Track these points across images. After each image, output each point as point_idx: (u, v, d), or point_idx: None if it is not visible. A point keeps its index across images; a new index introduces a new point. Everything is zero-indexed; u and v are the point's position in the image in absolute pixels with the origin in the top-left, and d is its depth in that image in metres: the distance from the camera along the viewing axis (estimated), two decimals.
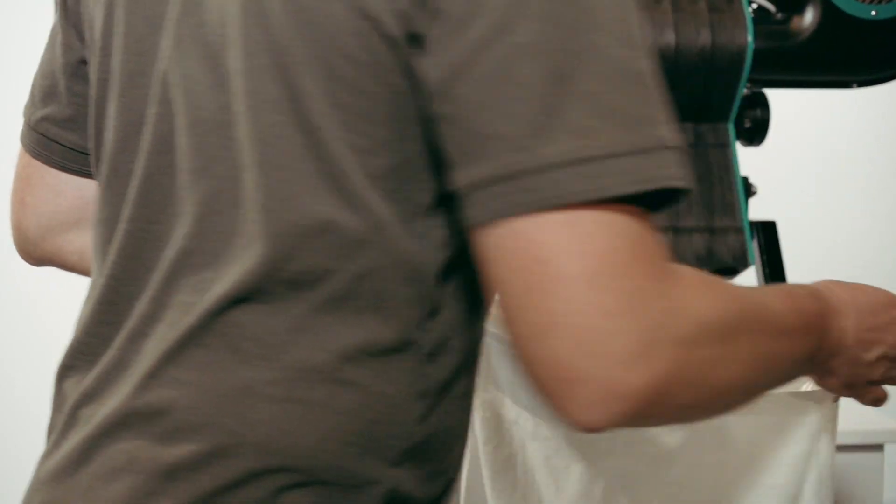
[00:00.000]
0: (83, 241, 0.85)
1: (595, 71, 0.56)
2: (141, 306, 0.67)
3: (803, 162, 2.34)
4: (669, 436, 0.88)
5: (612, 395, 0.55)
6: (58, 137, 0.85)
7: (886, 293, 0.79)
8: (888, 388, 0.84)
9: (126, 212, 0.70)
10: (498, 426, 0.89)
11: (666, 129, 0.58)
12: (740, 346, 0.61)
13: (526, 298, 0.55)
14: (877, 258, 2.36)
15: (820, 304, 0.71)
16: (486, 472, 0.89)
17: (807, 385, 0.87)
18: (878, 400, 0.84)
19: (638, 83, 0.58)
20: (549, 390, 0.56)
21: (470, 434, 0.72)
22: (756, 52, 1.26)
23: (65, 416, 0.69)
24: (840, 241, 2.39)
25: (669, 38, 1.24)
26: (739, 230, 1.27)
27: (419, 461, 0.65)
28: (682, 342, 0.56)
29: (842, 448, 1.22)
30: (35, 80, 0.88)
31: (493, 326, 0.73)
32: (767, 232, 1.31)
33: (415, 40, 0.58)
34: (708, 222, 1.26)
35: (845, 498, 1.26)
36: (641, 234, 0.56)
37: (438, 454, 0.66)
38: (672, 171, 0.56)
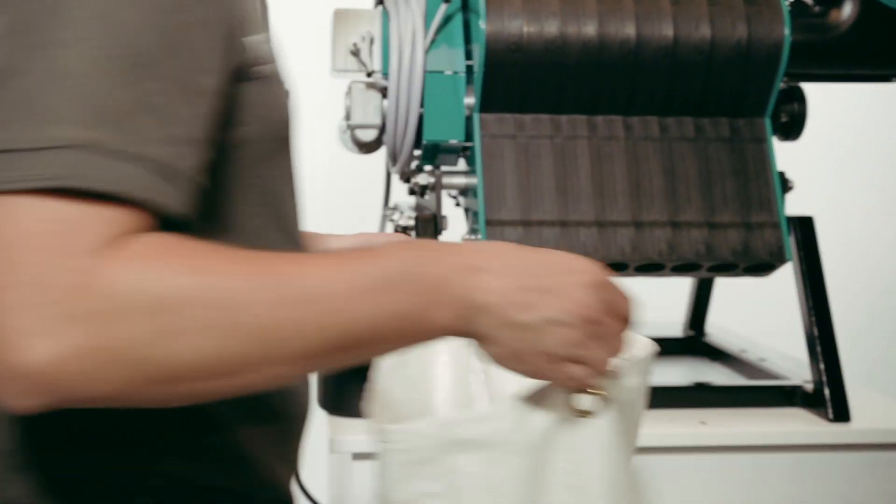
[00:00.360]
0: None
1: (37, 69, 0.59)
2: None
3: (838, 156, 2.31)
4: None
5: (13, 373, 0.55)
6: None
7: (571, 259, 0.71)
8: None
9: None
10: None
11: (74, 129, 0.58)
12: (194, 318, 0.58)
13: None
14: None
15: (422, 261, 0.67)
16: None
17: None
18: (571, 380, 0.72)
19: (65, 83, 0.59)
20: None
21: None
22: (793, 46, 1.24)
23: None
24: (870, 237, 2.36)
25: (705, 31, 1.23)
26: (776, 225, 1.25)
27: None
28: (96, 317, 0.56)
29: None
30: None
31: None
32: (804, 227, 1.29)
33: None
34: (744, 218, 1.25)
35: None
36: (66, 217, 0.57)
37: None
38: (62, 171, 0.57)
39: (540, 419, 0.78)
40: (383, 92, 1.28)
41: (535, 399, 0.78)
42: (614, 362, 0.74)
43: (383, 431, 0.78)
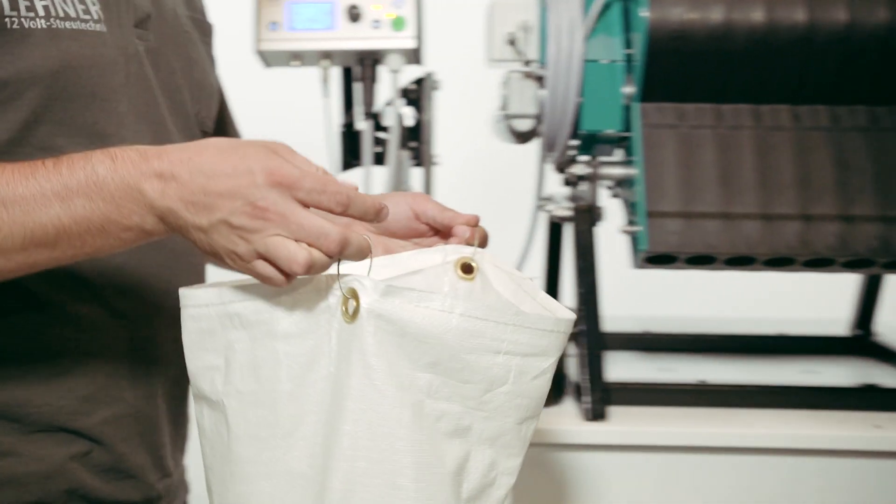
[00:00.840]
0: None
1: None
2: None
3: None
4: None
5: None
6: None
7: (253, 158, 0.74)
8: None
9: None
10: None
11: None
12: None
13: None
14: None
15: (118, 170, 0.76)
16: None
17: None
18: (264, 277, 0.75)
19: None
20: None
21: None
22: None
23: None
24: None
25: (842, 15, 1.16)
26: None
27: None
28: None
29: None
30: None
31: None
32: None
33: None
34: (882, 211, 1.18)
35: None
36: None
37: None
38: None
39: (301, 311, 0.80)
40: (540, 81, 1.27)
41: (299, 287, 0.79)
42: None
43: (181, 294, 0.84)
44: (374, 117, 1.45)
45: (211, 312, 0.83)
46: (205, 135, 1.08)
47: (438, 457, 0.79)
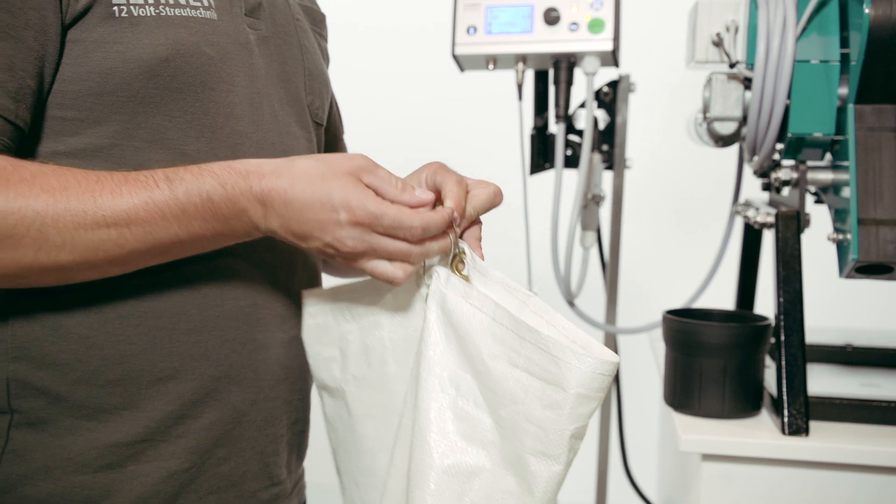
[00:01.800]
0: None
1: None
2: None
3: None
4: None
5: None
6: None
7: (338, 194, 0.81)
8: None
9: None
10: None
11: None
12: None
13: None
14: None
15: (226, 190, 0.82)
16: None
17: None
18: (376, 272, 0.84)
19: None
20: None
21: None
22: None
23: None
24: None
25: None
26: None
27: None
28: None
29: None
30: None
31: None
32: None
33: None
34: None
35: None
36: None
37: None
38: None
39: (400, 299, 0.88)
40: (745, 83, 1.24)
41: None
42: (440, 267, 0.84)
43: (303, 294, 0.94)
44: (567, 120, 1.45)
45: (327, 309, 0.93)
46: (317, 126, 1.06)
47: (456, 457, 0.82)
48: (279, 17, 1.00)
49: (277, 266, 0.95)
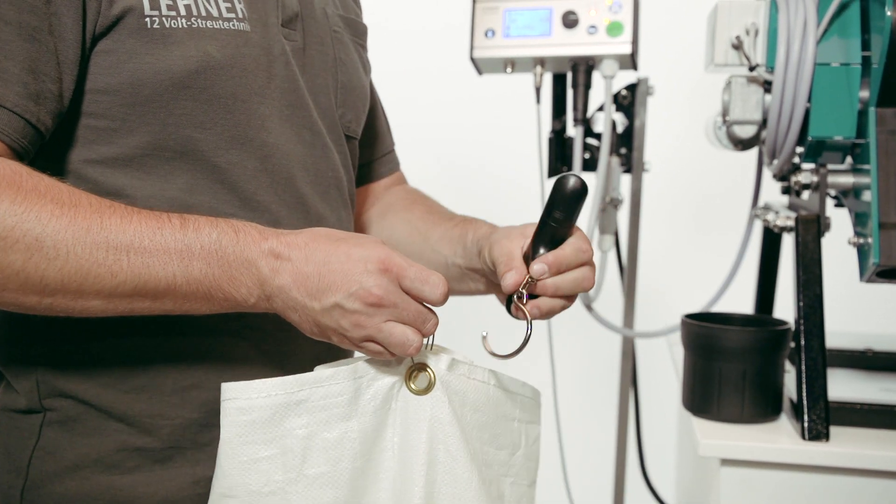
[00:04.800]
0: None
1: None
2: None
3: None
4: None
5: None
6: None
7: (365, 249, 0.80)
8: None
9: None
10: None
11: None
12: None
13: None
14: None
15: (237, 241, 0.80)
16: None
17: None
18: (374, 354, 0.82)
19: None
20: None
21: None
22: None
23: None
24: None
25: None
26: None
27: None
28: None
29: None
30: None
31: None
32: None
33: None
34: None
35: None
36: None
37: None
38: None
39: (374, 388, 0.85)
40: (765, 86, 1.23)
41: (372, 368, 0.84)
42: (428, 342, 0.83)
43: (224, 388, 0.83)
44: (585, 123, 1.44)
45: (265, 403, 0.82)
46: (349, 140, 1.04)
47: None
48: (316, 28, 1.00)
49: None
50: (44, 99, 0.82)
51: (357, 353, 0.93)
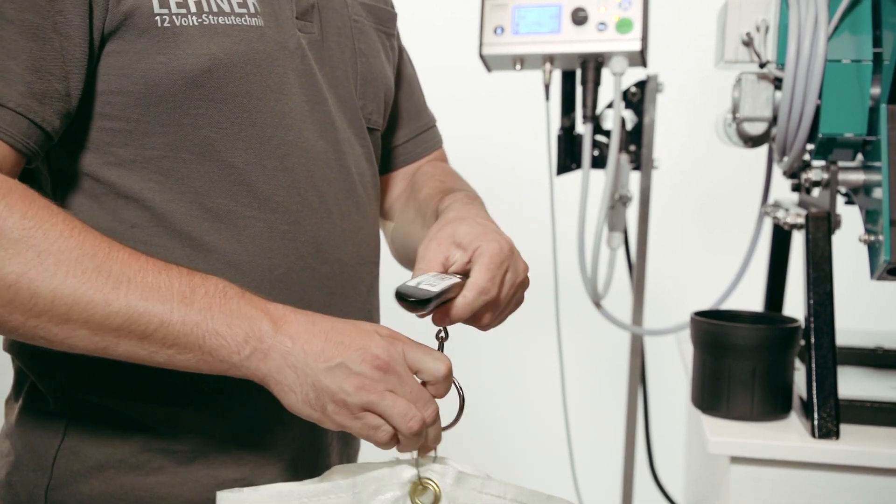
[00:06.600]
0: None
1: None
2: None
3: None
4: None
5: None
6: None
7: (372, 326, 0.78)
8: None
9: None
10: None
11: None
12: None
13: None
14: None
15: (241, 295, 0.77)
16: None
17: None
18: (371, 429, 0.76)
19: None
20: None
21: None
22: None
23: None
24: None
25: None
26: None
27: None
28: None
29: None
30: None
31: None
32: None
33: None
34: None
35: None
36: None
37: None
38: None
39: (376, 501, 0.79)
40: (776, 83, 1.23)
41: (373, 483, 0.79)
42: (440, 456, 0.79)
43: (218, 497, 0.79)
44: (594, 120, 1.44)
45: None
46: (371, 132, 1.01)
47: None
48: (334, 18, 0.97)
49: (330, 291, 0.93)
50: (49, 98, 0.80)
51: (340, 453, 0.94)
